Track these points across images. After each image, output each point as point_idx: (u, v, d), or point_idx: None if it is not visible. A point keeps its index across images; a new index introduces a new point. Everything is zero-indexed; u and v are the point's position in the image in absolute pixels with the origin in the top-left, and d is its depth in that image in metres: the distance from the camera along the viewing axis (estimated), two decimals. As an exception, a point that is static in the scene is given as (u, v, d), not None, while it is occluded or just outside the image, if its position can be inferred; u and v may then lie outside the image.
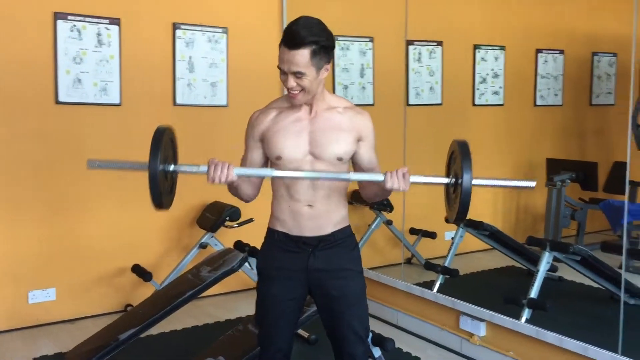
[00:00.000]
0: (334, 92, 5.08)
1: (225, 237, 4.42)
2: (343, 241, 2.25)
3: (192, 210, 4.59)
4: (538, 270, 3.75)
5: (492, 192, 6.02)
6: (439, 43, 5.47)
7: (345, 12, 5.13)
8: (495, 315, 3.38)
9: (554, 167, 5.73)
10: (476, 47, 5.72)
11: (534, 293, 3.68)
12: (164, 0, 4.38)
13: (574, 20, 6.19)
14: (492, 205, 5.90)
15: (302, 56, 2.06)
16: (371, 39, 5.17)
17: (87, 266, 4.26)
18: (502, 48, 5.82)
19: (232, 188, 2.21)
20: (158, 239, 4.51)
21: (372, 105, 5.21)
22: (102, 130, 4.24)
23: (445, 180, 2.10)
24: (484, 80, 5.80)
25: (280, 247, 2.24)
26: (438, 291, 3.95)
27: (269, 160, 2.27)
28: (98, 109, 4.20)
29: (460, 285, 4.16)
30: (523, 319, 3.43)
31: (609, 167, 5.79)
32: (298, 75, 2.09)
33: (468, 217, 4.71)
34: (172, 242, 4.56)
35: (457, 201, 1.99)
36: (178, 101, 4.45)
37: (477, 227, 4.53)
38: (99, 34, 4.14)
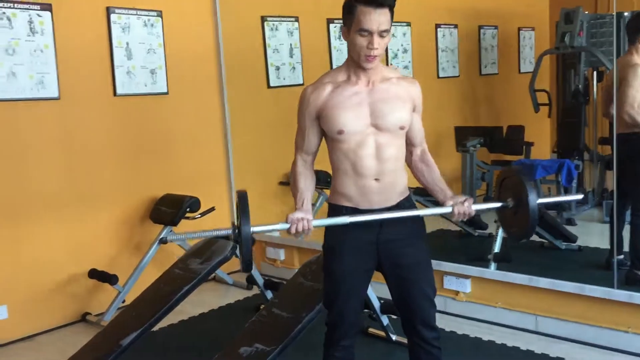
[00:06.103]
0: (267, 73, 5.04)
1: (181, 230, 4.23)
2: (408, 210, 2.30)
3: (140, 206, 4.33)
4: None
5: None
6: (356, 21, 5.61)
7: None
8: (486, 271, 3.60)
9: (463, 134, 6.14)
10: (387, 24, 5.93)
11: (497, 248, 3.99)
12: (94, -17, 4.06)
13: (463, -4, 6.64)
14: (409, 175, 6.20)
15: (387, 15, 2.10)
16: (296, 19, 5.18)
17: (38, 278, 3.87)
18: (409, 24, 6.10)
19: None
20: (107, 241, 4.21)
21: (302, 85, 5.23)
22: (40, 127, 3.86)
23: (501, 204, 2.31)
24: (395, 56, 6.05)
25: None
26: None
27: (326, 136, 2.26)
28: (35, 103, 3.82)
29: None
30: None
31: (504, 131, 6.35)
32: (384, 34, 2.10)
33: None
34: (122, 242, 4.28)
35: (524, 220, 2.20)
36: (119, 91, 4.16)
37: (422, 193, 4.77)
38: (30, 22, 3.74)
